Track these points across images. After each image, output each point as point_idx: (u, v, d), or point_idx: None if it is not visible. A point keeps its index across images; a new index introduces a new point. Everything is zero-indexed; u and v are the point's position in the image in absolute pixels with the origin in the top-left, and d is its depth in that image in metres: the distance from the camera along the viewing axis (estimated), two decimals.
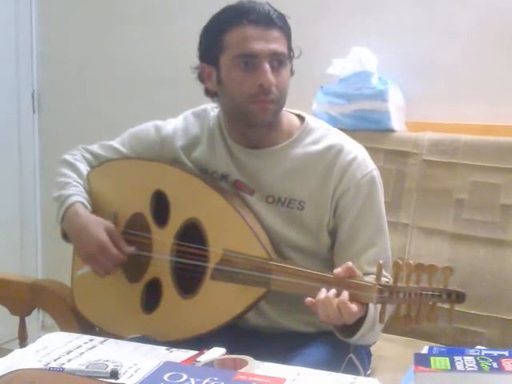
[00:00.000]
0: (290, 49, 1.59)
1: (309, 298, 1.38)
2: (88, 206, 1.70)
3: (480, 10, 2.33)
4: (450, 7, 2.37)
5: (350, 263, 1.40)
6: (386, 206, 1.65)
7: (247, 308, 1.56)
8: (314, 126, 1.66)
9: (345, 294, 1.35)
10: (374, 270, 1.38)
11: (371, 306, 1.40)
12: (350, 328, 1.43)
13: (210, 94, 1.66)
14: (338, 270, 1.40)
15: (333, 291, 1.36)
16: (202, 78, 1.64)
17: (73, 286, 1.80)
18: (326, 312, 1.36)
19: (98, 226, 1.64)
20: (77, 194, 1.70)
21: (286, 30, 1.58)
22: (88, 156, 1.80)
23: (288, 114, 1.67)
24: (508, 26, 2.30)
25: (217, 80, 1.60)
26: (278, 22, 1.55)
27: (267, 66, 1.53)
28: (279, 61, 1.56)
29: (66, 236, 1.71)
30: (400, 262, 1.32)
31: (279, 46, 1.55)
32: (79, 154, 1.81)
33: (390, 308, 1.37)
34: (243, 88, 1.55)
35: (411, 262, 1.32)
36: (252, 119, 1.58)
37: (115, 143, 1.80)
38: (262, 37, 1.53)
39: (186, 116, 1.76)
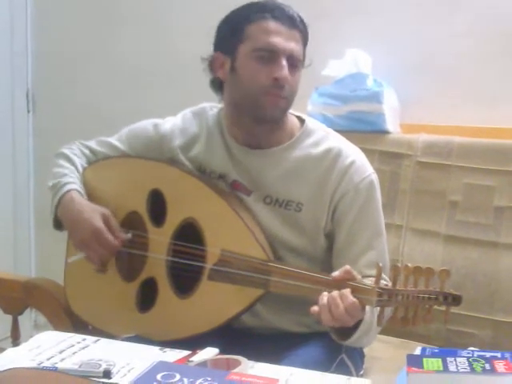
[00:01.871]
0: (304, 55, 1.62)
1: (314, 308, 1.37)
2: (84, 195, 1.70)
3: (475, 13, 2.34)
4: (445, 10, 2.38)
5: (347, 266, 1.40)
6: None
7: (244, 309, 1.56)
8: (314, 128, 1.66)
9: (348, 294, 1.35)
10: (373, 272, 1.38)
11: (368, 309, 1.40)
12: (346, 330, 1.43)
13: (215, 85, 1.66)
14: (336, 273, 1.41)
15: (336, 292, 1.36)
16: (212, 66, 1.64)
17: (65, 282, 1.79)
18: (332, 315, 1.35)
19: (94, 212, 1.64)
20: (74, 183, 1.70)
21: (304, 36, 1.61)
22: (86, 151, 1.80)
23: (289, 115, 1.67)
24: (502, 29, 2.30)
25: (230, 69, 1.60)
26: (299, 26, 1.59)
27: (284, 62, 1.56)
28: (293, 64, 1.58)
29: (58, 225, 1.71)
30: (398, 265, 1.33)
31: (298, 48, 1.58)
32: (77, 148, 1.81)
33: (388, 311, 1.37)
34: (258, 79, 1.56)
35: (409, 264, 1.32)
36: (261, 112, 1.58)
37: (113, 140, 1.80)
38: (284, 34, 1.56)
39: (185, 114, 1.76)
